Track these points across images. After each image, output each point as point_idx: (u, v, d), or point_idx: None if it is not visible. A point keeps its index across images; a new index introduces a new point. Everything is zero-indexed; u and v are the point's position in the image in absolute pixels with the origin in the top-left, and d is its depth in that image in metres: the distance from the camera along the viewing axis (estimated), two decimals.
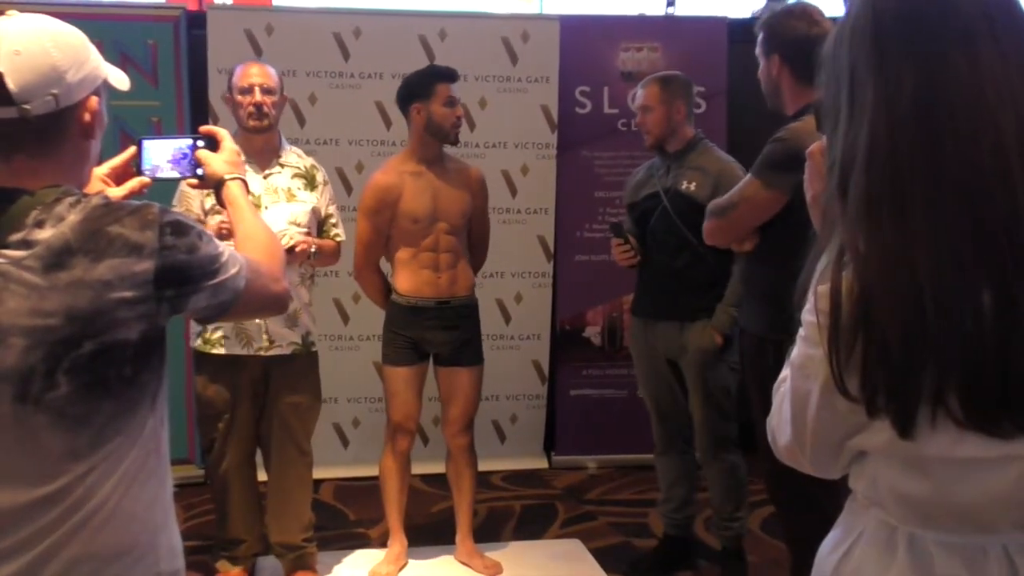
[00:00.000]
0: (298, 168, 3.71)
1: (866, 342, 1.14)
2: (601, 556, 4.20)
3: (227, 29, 4.93)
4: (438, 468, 4.44)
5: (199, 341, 3.64)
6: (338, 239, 3.83)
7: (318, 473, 4.62)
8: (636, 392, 5.18)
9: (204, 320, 1.71)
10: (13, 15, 1.54)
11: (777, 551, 4.08)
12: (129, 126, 4.48)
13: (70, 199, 1.51)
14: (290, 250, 3.48)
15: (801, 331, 1.26)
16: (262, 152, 3.64)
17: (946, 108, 1.13)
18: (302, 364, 3.73)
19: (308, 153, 4.92)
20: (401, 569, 4.00)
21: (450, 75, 3.83)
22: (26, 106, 1.49)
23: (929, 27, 1.16)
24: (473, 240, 4.02)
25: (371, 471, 4.90)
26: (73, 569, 1.51)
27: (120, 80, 1.67)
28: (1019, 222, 1.10)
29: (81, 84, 1.54)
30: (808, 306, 1.23)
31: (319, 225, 3.75)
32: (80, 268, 1.46)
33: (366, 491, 4.87)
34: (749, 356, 3.16)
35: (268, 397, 3.69)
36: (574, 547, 4.32)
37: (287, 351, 3.66)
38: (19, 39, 1.50)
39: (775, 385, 1.37)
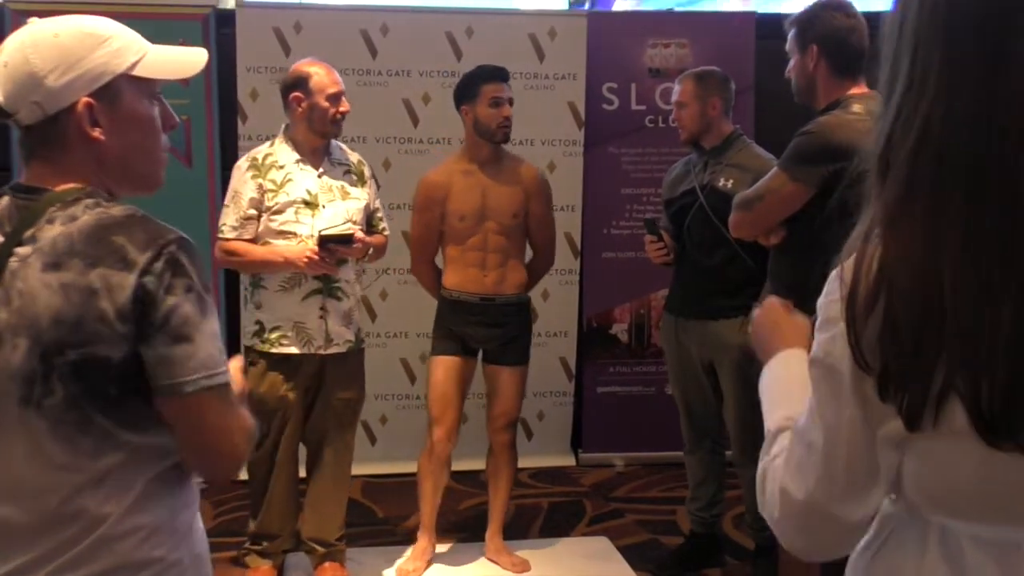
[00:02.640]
0: (347, 165, 3.74)
1: (882, 320, 1.11)
2: (629, 553, 4.19)
3: (256, 27, 4.95)
4: (468, 465, 4.46)
5: (254, 340, 3.64)
6: (385, 233, 3.86)
7: None
8: (664, 389, 5.18)
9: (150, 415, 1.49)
10: (33, 22, 1.52)
11: None
12: None
13: (89, 201, 1.49)
14: (347, 241, 3.52)
15: (817, 320, 1.21)
16: (318, 151, 3.67)
17: (1005, 110, 1.08)
18: (354, 361, 3.78)
19: None
20: (428, 566, 4.01)
21: (495, 75, 3.84)
22: (16, 116, 1.49)
23: (1006, 15, 1.10)
24: (534, 243, 4.03)
25: (399, 468, 4.92)
26: None
27: (160, 68, 1.57)
28: None
29: (69, 87, 1.48)
30: (826, 289, 1.19)
31: (368, 220, 3.77)
32: (75, 271, 1.43)
33: (394, 488, 4.88)
34: None
35: (321, 394, 3.72)
36: (602, 544, 4.31)
37: (343, 349, 3.69)
38: (8, 50, 1.49)
39: (763, 450, 1.30)
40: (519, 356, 3.98)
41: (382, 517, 4.64)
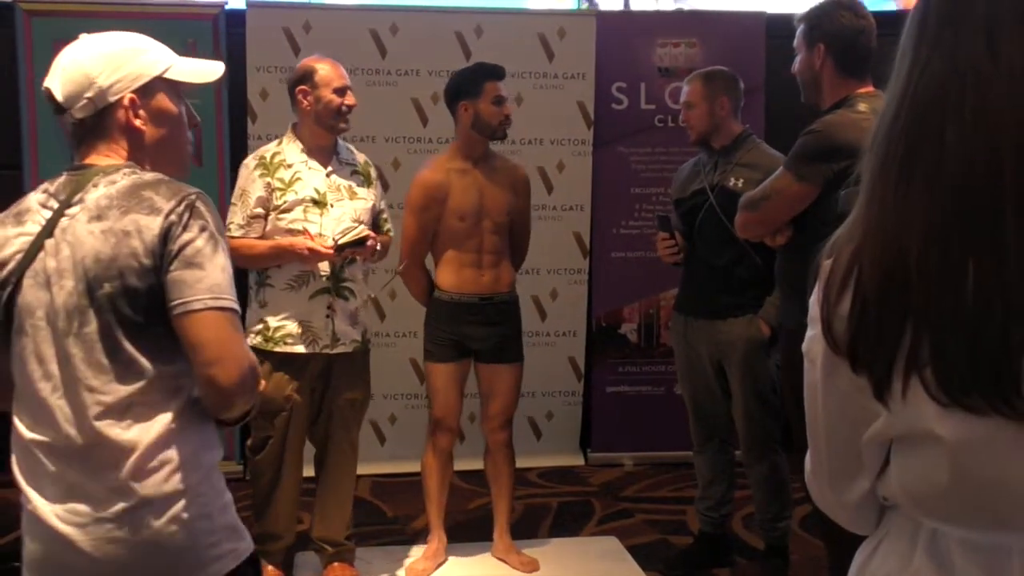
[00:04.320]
0: (354, 165, 3.73)
1: (852, 294, 1.14)
2: (638, 553, 4.19)
3: (266, 27, 4.96)
4: (475, 465, 4.45)
5: (258, 339, 3.59)
6: (390, 233, 3.86)
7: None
8: (673, 389, 5.18)
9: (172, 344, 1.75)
10: (82, 37, 1.85)
11: (817, 549, 4.05)
12: None
13: (127, 169, 1.80)
14: (361, 243, 3.52)
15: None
16: (325, 149, 3.66)
17: (958, 97, 1.12)
18: (360, 360, 3.77)
19: None
20: (439, 566, 4.01)
21: (499, 73, 3.84)
22: (72, 111, 1.80)
23: (971, 11, 1.14)
24: (514, 239, 4.02)
25: (408, 467, 4.93)
26: (135, 512, 1.71)
27: (189, 74, 1.89)
28: (1005, 220, 1.09)
29: (115, 86, 1.80)
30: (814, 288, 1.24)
31: (373, 220, 3.77)
32: (112, 219, 1.72)
33: (403, 487, 4.89)
34: (784, 350, 3.15)
35: (327, 394, 3.71)
36: (611, 544, 4.31)
37: (349, 349, 3.68)
38: (65, 57, 1.82)
39: None
40: (515, 354, 3.98)
41: (391, 517, 4.65)
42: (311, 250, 3.47)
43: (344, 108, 3.61)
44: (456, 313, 3.88)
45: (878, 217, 1.15)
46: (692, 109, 3.80)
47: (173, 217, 1.70)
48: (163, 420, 1.73)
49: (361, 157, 3.80)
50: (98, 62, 1.79)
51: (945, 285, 1.10)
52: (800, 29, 3.10)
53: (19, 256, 1.77)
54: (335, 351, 3.64)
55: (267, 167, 3.60)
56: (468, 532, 4.34)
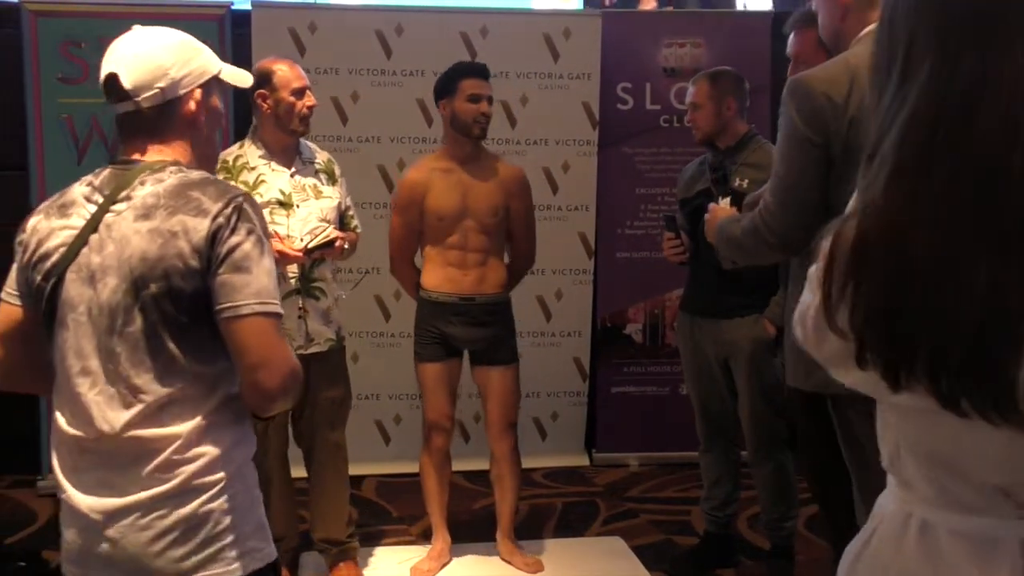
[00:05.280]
0: (318, 164, 3.72)
1: (855, 286, 1.14)
2: (643, 554, 4.18)
3: (271, 28, 4.96)
4: (480, 465, 4.45)
5: None
6: (358, 230, 3.85)
7: (360, 469, 4.66)
8: (678, 389, 5.18)
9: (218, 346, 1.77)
10: (136, 28, 1.87)
11: (823, 550, 4.04)
12: None
13: (173, 168, 1.81)
14: (329, 244, 3.51)
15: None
16: (288, 150, 3.65)
17: (992, 105, 1.10)
18: (336, 359, 3.75)
19: (350, 151, 4.98)
20: (444, 566, 4.01)
21: (475, 70, 3.83)
22: (138, 99, 1.80)
23: (1000, 15, 1.13)
24: (514, 241, 4.00)
25: (413, 468, 4.91)
26: (165, 502, 1.74)
27: (236, 77, 1.96)
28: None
29: (185, 79, 1.83)
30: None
31: (340, 218, 3.77)
32: (159, 219, 1.73)
33: (408, 487, 4.89)
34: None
35: (307, 394, 3.70)
36: (616, 544, 4.31)
37: (324, 347, 3.67)
38: (134, 45, 1.83)
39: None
40: (508, 355, 3.96)
41: (396, 517, 4.65)
42: (280, 252, 3.40)
43: (305, 111, 3.58)
44: (438, 312, 3.87)
45: (885, 213, 1.14)
46: (698, 110, 3.80)
47: (221, 219, 1.72)
48: (198, 417, 1.75)
49: (323, 155, 3.78)
50: (171, 53, 1.83)
51: (950, 288, 1.09)
52: (808, 35, 3.10)
53: (63, 249, 1.78)
54: (310, 351, 3.61)
55: (230, 170, 3.56)
56: (473, 533, 4.33)
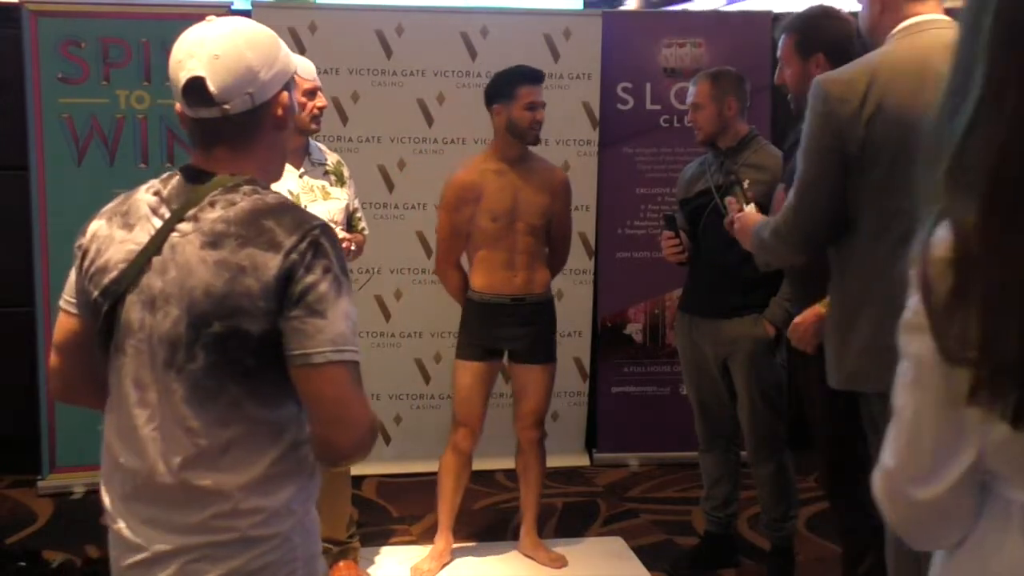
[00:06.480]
0: (327, 165, 3.73)
1: (964, 328, 1.09)
2: (643, 554, 4.18)
3: (271, 27, 4.91)
4: (481, 465, 4.45)
5: None
6: (365, 232, 3.85)
7: (361, 469, 4.66)
8: (678, 389, 5.18)
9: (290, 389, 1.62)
10: (212, 20, 1.70)
11: (823, 549, 4.06)
12: (176, 125, 4.51)
13: (247, 188, 1.64)
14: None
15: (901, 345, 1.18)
16: (298, 151, 3.65)
17: None
18: None
19: (350, 151, 4.97)
20: (443, 566, 4.01)
21: (533, 77, 3.83)
22: (226, 106, 1.63)
23: None
24: (553, 242, 4.03)
25: (414, 468, 4.94)
26: (218, 549, 1.61)
27: (305, 69, 1.80)
28: None
29: (273, 81, 1.67)
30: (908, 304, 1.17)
31: (347, 219, 3.77)
32: (228, 250, 1.57)
33: (408, 488, 4.89)
34: (795, 348, 3.16)
35: None
36: (616, 545, 4.31)
37: None
38: (217, 43, 1.64)
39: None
40: (548, 354, 3.98)
41: (396, 516, 4.65)
42: None
43: (316, 112, 3.57)
44: (488, 313, 3.89)
45: (995, 233, 1.08)
46: (700, 110, 3.79)
47: (295, 256, 1.55)
48: (259, 466, 1.62)
49: (333, 157, 3.78)
50: (259, 53, 1.65)
51: None
52: (787, 41, 3.11)
53: (123, 266, 1.63)
54: None
55: None
56: (475, 532, 4.33)
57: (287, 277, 1.55)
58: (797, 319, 3.06)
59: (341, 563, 3.85)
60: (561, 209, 3.98)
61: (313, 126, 3.59)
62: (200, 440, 1.60)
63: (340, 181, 3.73)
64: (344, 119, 5.07)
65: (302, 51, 4.91)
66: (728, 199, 3.13)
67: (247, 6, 5.00)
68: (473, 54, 5.07)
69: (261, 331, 1.56)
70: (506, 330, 3.89)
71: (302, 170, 3.63)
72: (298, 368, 1.56)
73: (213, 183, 1.63)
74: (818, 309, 2.92)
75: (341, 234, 3.56)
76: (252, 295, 1.55)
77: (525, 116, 3.78)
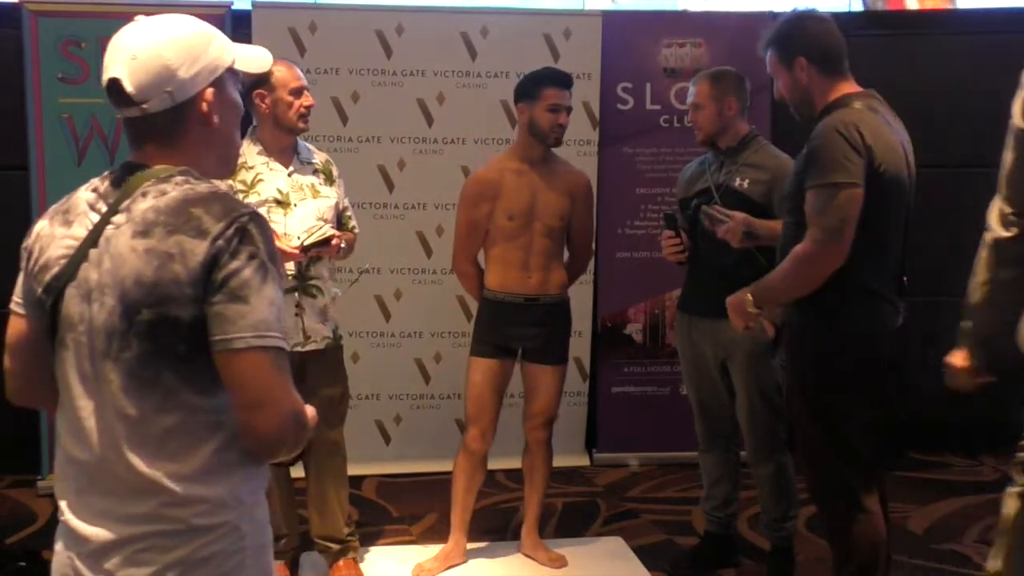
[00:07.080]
0: (316, 164, 3.73)
1: None
2: (643, 554, 4.18)
3: (271, 28, 4.96)
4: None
5: None
6: (355, 231, 3.86)
7: (361, 469, 4.66)
8: (678, 389, 5.18)
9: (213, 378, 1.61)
10: (139, 20, 1.68)
11: (823, 549, 4.04)
12: None
13: (179, 178, 1.65)
14: (326, 242, 3.52)
15: None
16: (286, 150, 3.66)
17: None
18: (333, 357, 3.76)
19: (350, 151, 4.98)
20: (450, 567, 4.00)
21: (559, 80, 3.83)
22: (144, 105, 1.64)
23: None
24: (573, 247, 4.03)
25: (414, 468, 4.94)
26: (165, 539, 1.62)
27: (251, 62, 1.79)
28: None
29: (195, 79, 1.65)
30: None
31: (337, 218, 3.77)
32: (157, 238, 1.58)
33: (408, 487, 4.89)
34: (790, 349, 3.16)
35: (303, 392, 3.69)
36: (616, 545, 4.31)
37: (321, 345, 3.68)
38: (136, 44, 1.64)
39: None
40: (560, 355, 3.99)
41: (396, 516, 4.65)
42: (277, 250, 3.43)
43: (303, 110, 3.60)
44: (502, 312, 3.89)
45: None
46: (700, 110, 3.79)
47: (221, 242, 1.56)
48: (201, 456, 1.62)
49: (321, 156, 3.79)
50: (177, 51, 1.63)
51: None
52: (772, 54, 3.11)
53: (63, 262, 1.64)
54: (307, 348, 3.63)
55: None
56: (475, 532, 4.33)
57: (212, 263, 1.55)
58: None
59: (341, 562, 3.85)
60: (581, 213, 3.98)
61: (301, 124, 3.60)
62: (140, 429, 1.61)
63: (329, 180, 3.73)
64: (344, 119, 5.07)
65: (302, 51, 4.93)
66: (713, 207, 3.13)
67: (247, 6, 5.01)
68: (473, 54, 5.07)
69: (190, 317, 1.56)
70: (519, 329, 3.89)
71: (291, 169, 3.63)
72: (219, 353, 1.56)
73: (146, 174, 1.65)
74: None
75: (332, 231, 3.57)
76: (180, 282, 1.55)
77: (547, 118, 3.78)
